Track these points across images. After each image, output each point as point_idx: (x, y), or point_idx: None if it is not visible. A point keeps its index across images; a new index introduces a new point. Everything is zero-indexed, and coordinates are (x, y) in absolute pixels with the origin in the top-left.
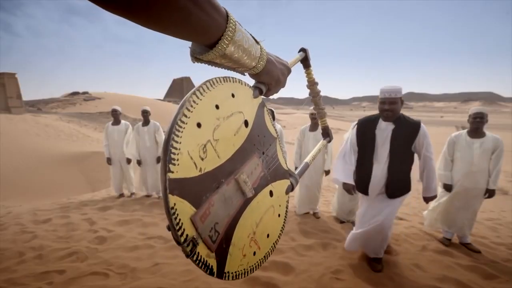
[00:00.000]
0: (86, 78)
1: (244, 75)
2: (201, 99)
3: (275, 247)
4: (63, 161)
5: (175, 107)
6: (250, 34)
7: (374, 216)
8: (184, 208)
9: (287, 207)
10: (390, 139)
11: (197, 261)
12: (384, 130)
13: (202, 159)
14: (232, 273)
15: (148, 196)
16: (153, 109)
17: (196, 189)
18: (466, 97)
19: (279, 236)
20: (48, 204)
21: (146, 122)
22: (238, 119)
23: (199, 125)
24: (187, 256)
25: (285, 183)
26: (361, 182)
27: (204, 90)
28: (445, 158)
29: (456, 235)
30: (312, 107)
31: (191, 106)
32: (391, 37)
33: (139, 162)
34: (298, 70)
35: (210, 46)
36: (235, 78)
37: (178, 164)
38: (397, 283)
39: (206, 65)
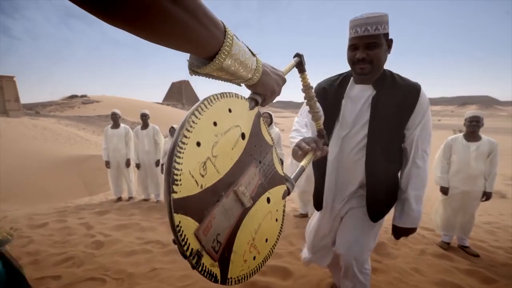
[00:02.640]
0: (85, 81)
1: (240, 86)
2: (199, 118)
3: (273, 250)
4: (61, 164)
5: (174, 111)
6: (247, 47)
7: (327, 245)
8: (188, 224)
9: (284, 211)
10: (369, 115)
11: (202, 271)
12: (359, 99)
13: (203, 176)
14: (234, 278)
15: (146, 200)
16: (152, 113)
17: (198, 205)
18: (463, 101)
19: (277, 239)
20: (45, 208)
21: (145, 125)
22: (235, 133)
23: (198, 144)
24: (193, 268)
25: (281, 188)
26: (315, 186)
27: (202, 109)
28: (442, 161)
29: (455, 238)
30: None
31: (191, 126)
32: None
33: (137, 166)
34: (296, 74)
35: (208, 59)
36: (231, 92)
37: (180, 184)
38: None
39: (204, 77)
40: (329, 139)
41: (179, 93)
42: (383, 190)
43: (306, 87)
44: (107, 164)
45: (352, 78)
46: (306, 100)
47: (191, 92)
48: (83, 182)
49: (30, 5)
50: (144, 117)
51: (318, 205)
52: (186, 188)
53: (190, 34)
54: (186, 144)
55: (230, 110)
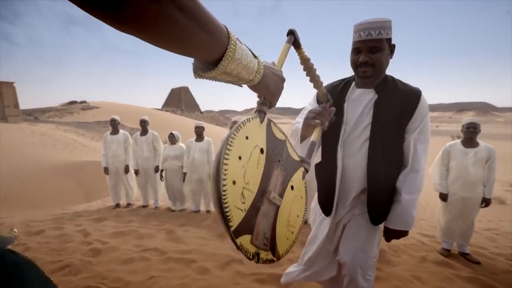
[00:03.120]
0: (85, 87)
1: (242, 86)
2: (228, 161)
3: (303, 218)
4: (58, 170)
5: (173, 117)
6: (249, 49)
7: (330, 253)
8: (245, 239)
9: (305, 187)
10: (371, 118)
11: (262, 263)
12: (360, 102)
13: (243, 202)
14: (283, 253)
15: (144, 206)
16: (151, 119)
17: (247, 223)
18: (461, 107)
19: (305, 210)
20: (42, 215)
21: (144, 131)
22: (256, 153)
23: (234, 182)
24: (257, 262)
25: (300, 171)
26: (323, 191)
27: (228, 154)
28: (440, 167)
29: (455, 245)
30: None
31: (225, 170)
32: None
33: (136, 172)
34: (295, 78)
35: (212, 63)
36: (243, 121)
37: (232, 219)
38: None
39: (208, 80)
40: (338, 143)
41: (178, 99)
42: (384, 193)
43: (304, 60)
44: (106, 170)
45: (354, 83)
46: (305, 72)
47: (190, 98)
48: (81, 189)
49: (31, 11)
50: (144, 123)
51: (327, 209)
52: (236, 218)
53: (196, 40)
54: (226, 185)
55: (247, 138)
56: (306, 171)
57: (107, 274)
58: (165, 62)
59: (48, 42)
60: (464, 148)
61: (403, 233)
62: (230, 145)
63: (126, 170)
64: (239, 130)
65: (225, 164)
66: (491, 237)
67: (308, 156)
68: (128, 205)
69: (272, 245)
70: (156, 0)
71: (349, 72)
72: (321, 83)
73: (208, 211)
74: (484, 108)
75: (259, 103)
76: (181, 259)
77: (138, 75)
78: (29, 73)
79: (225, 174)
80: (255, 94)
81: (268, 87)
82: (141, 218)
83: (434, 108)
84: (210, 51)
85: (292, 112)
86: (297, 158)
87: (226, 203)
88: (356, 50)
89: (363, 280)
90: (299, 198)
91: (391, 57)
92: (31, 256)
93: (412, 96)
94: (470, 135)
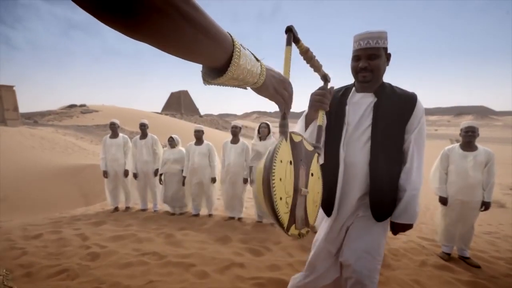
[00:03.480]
0: (84, 91)
1: (246, 89)
2: (275, 186)
3: (322, 192)
4: (57, 174)
5: (173, 120)
6: (251, 53)
7: (332, 255)
8: (292, 229)
9: (319, 167)
10: (371, 119)
11: (303, 237)
12: (361, 105)
13: (287, 207)
14: (312, 222)
15: (143, 210)
16: (151, 122)
17: (291, 219)
18: (459, 111)
19: (322, 186)
20: (40, 218)
21: (144, 135)
22: (289, 168)
23: (281, 198)
24: (301, 238)
25: (315, 158)
26: (325, 191)
27: (273, 179)
28: (439, 171)
29: (456, 248)
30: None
31: (275, 194)
32: None
33: (135, 175)
34: (294, 82)
35: (219, 69)
36: (276, 148)
37: (284, 222)
38: None
39: (215, 86)
40: (340, 144)
41: (177, 103)
42: (386, 190)
43: (305, 51)
44: (105, 174)
45: (354, 88)
46: (306, 61)
47: (190, 102)
48: (79, 192)
49: (31, 15)
50: (143, 127)
51: (329, 209)
52: (285, 220)
53: (202, 47)
54: (276, 201)
55: (281, 161)
56: (319, 154)
57: (105, 279)
58: (164, 66)
59: (48, 45)
60: (463, 152)
61: (408, 226)
62: (273, 174)
63: (126, 173)
64: (276, 155)
65: (273, 187)
66: (491, 240)
67: (318, 140)
68: (127, 208)
69: (306, 222)
70: (165, 13)
71: (348, 73)
72: (321, 65)
73: (210, 215)
74: (482, 112)
75: (279, 124)
76: (180, 263)
77: (137, 79)
78: (29, 77)
79: (274, 195)
80: (254, 97)
81: (268, 88)
82: (140, 222)
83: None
84: (216, 58)
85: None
86: (311, 148)
87: (278, 213)
88: (356, 57)
89: (369, 284)
90: (317, 179)
91: (387, 65)
92: (28, 260)
93: (409, 99)
94: (468, 139)
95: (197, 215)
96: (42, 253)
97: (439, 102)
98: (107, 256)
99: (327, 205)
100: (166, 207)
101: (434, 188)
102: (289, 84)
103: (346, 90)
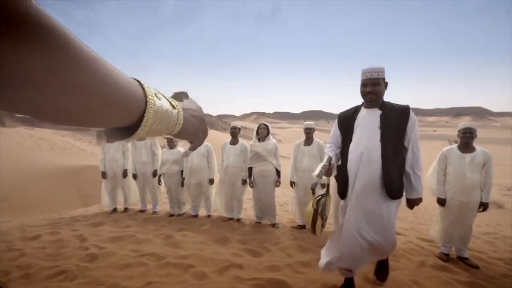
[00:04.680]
0: None
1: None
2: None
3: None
4: (56, 175)
5: None
6: (167, 99)
7: (360, 226)
8: (318, 232)
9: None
10: (379, 125)
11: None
12: (369, 118)
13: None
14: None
15: (142, 211)
16: None
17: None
18: (457, 112)
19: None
20: (38, 219)
21: None
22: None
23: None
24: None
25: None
26: (342, 182)
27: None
28: (438, 172)
29: (454, 249)
30: (306, 122)
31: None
32: (384, 52)
33: (134, 176)
34: (293, 83)
35: (128, 128)
36: (325, 202)
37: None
38: None
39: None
40: (350, 143)
41: None
42: (394, 174)
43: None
44: (104, 174)
45: (362, 107)
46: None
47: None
48: (78, 193)
49: None
50: None
51: (343, 194)
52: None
53: (99, 117)
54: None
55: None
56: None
57: (104, 280)
58: (163, 67)
59: None
60: (460, 153)
61: (419, 200)
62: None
63: (124, 174)
64: (323, 206)
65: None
66: (490, 241)
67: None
68: (126, 209)
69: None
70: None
71: (347, 74)
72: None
73: (208, 216)
74: (480, 113)
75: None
76: (179, 264)
77: (138, 79)
78: None
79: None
80: (253, 98)
81: (188, 132)
82: (139, 223)
83: (431, 113)
84: (119, 122)
85: (290, 116)
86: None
87: (316, 232)
88: (364, 84)
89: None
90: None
91: (385, 89)
92: (26, 261)
93: (404, 111)
94: (466, 140)
95: (196, 216)
96: (40, 254)
97: (438, 103)
98: (105, 257)
99: (343, 189)
100: (166, 208)
101: (431, 189)
102: (204, 121)
103: (356, 108)
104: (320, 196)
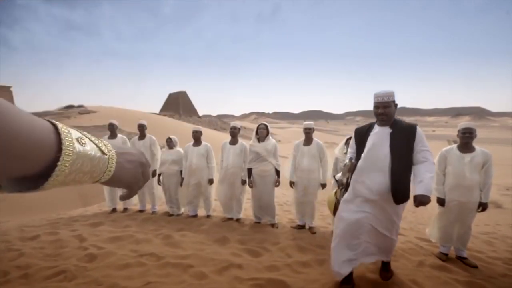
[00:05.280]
0: (83, 92)
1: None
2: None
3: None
4: None
5: (171, 121)
6: (97, 144)
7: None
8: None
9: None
10: (389, 141)
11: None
12: (381, 134)
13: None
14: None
15: (141, 211)
16: (149, 123)
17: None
18: (456, 112)
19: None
20: (37, 219)
21: (142, 136)
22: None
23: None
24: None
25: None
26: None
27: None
28: (437, 172)
29: (453, 249)
30: (306, 122)
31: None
32: (383, 52)
33: None
34: (293, 83)
35: (33, 177)
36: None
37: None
38: None
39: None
40: (362, 153)
41: (176, 104)
42: (401, 182)
43: None
44: None
45: (376, 124)
46: None
47: (188, 103)
48: (77, 193)
49: (29, 16)
50: (141, 128)
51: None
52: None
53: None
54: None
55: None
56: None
57: (103, 280)
58: (162, 67)
59: (46, 46)
60: (460, 153)
61: (427, 198)
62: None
63: None
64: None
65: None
66: (489, 241)
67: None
68: (125, 209)
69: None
70: None
71: (347, 74)
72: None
73: (208, 216)
74: (479, 113)
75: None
76: (178, 264)
77: (136, 79)
78: (26, 77)
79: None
80: (253, 98)
81: (120, 179)
82: (138, 223)
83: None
84: (23, 172)
85: (290, 116)
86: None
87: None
88: (376, 107)
89: (394, 242)
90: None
91: (395, 110)
92: (25, 262)
93: (412, 128)
94: (466, 140)
95: (195, 216)
96: (39, 255)
97: (437, 103)
98: (104, 257)
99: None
100: (165, 208)
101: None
102: (144, 165)
103: (371, 125)
104: (341, 188)
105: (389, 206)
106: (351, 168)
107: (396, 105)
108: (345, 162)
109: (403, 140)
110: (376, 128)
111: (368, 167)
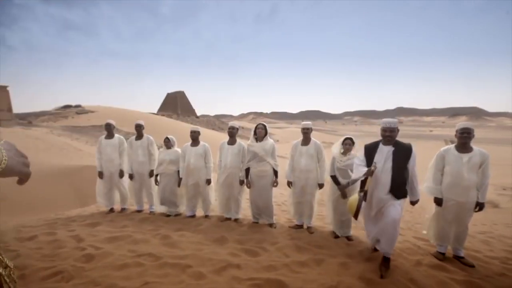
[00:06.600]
0: (81, 92)
1: None
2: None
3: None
4: (52, 175)
5: (169, 121)
6: None
7: (380, 206)
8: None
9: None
10: (391, 157)
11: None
12: (386, 151)
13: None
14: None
15: (139, 211)
16: (147, 123)
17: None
18: (454, 112)
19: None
20: (34, 220)
21: (139, 136)
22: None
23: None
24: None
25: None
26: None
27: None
28: (434, 172)
29: (450, 248)
30: (304, 122)
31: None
32: (382, 53)
33: (131, 176)
34: (291, 84)
35: None
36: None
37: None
38: None
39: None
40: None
41: (174, 104)
42: (399, 185)
43: None
44: (101, 174)
45: (381, 143)
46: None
47: (186, 103)
48: (75, 193)
49: (27, 16)
50: (139, 128)
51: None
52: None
53: None
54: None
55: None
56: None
57: (100, 280)
58: (161, 67)
59: (44, 46)
60: (458, 153)
61: (417, 201)
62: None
63: (121, 174)
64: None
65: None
66: (486, 240)
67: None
68: (123, 210)
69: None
70: None
71: (345, 74)
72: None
73: (206, 216)
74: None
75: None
76: (176, 264)
77: (134, 79)
78: (23, 77)
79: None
80: (251, 98)
81: (13, 170)
82: (136, 223)
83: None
84: None
85: (288, 116)
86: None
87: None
88: (384, 130)
89: (398, 228)
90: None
91: (397, 133)
92: (22, 262)
93: (409, 148)
94: (464, 140)
95: (193, 216)
96: (36, 255)
97: (434, 104)
98: (102, 257)
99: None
100: (163, 208)
101: (429, 189)
102: (26, 158)
103: (377, 143)
104: (362, 191)
105: (391, 200)
106: (372, 173)
107: (398, 130)
108: (366, 168)
109: (403, 156)
110: (383, 147)
111: (377, 177)
